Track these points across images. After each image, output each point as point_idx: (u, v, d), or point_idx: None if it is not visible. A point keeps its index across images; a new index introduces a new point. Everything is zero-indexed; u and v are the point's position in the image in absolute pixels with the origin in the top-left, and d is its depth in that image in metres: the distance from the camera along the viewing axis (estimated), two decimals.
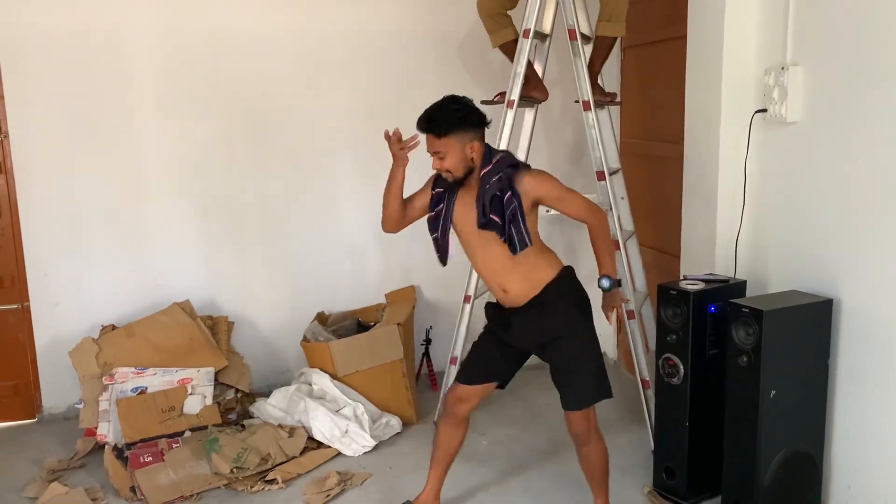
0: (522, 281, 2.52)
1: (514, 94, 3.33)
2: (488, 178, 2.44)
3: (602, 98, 3.50)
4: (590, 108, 3.22)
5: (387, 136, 2.51)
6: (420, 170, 2.63)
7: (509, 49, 3.44)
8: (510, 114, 3.35)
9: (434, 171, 2.53)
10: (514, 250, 2.45)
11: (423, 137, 2.46)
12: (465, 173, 2.46)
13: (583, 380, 2.53)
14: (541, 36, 3.54)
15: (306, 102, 3.85)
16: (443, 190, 2.55)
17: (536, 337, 2.55)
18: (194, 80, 3.71)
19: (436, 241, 2.58)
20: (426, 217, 2.60)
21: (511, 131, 3.37)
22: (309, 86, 3.86)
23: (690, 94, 3.11)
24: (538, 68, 3.66)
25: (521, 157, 3.77)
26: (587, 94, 3.22)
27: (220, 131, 3.78)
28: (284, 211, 3.94)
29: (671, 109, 3.40)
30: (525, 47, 3.29)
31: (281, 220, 3.94)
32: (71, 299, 3.70)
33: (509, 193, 2.42)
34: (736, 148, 2.92)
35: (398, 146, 2.51)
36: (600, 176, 3.24)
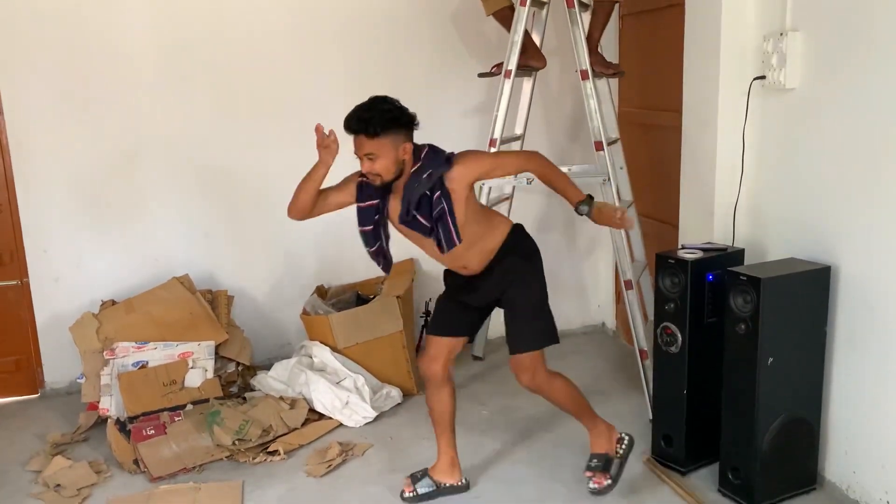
0: (479, 255, 2.55)
1: (512, 64, 3.31)
2: (417, 176, 2.39)
3: (604, 70, 3.46)
4: (588, 78, 3.19)
5: (319, 131, 2.40)
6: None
7: (503, 16, 3.40)
8: (507, 84, 3.32)
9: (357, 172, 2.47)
10: (441, 250, 2.45)
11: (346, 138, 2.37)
12: (396, 176, 2.40)
13: (526, 324, 2.58)
14: (538, 3, 3.51)
15: (301, 76, 3.82)
16: (375, 202, 2.47)
17: (494, 292, 2.59)
18: (189, 54, 3.68)
19: (373, 254, 2.55)
20: (358, 229, 2.52)
21: (509, 102, 3.35)
22: (304, 59, 3.82)
23: (689, 61, 3.08)
24: (536, 37, 3.64)
25: (518, 127, 3.76)
26: (585, 63, 3.19)
27: (217, 105, 3.75)
28: (282, 184, 3.87)
29: (670, 78, 3.37)
30: (522, 15, 3.25)
31: (279, 193, 3.88)
32: (70, 275, 3.71)
33: (438, 193, 2.38)
34: (734, 116, 2.90)
35: (324, 142, 2.41)
36: (598, 146, 3.23)
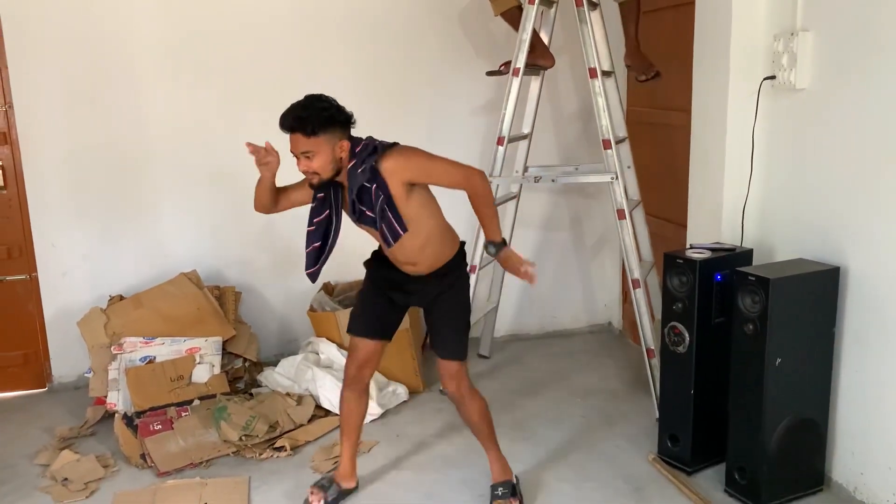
0: (432, 258, 2.51)
1: (520, 62, 3.30)
2: (354, 170, 2.36)
3: (645, 73, 3.34)
4: (596, 76, 3.18)
5: (252, 149, 2.39)
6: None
7: (512, 17, 3.40)
8: (515, 82, 3.32)
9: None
10: (388, 243, 2.41)
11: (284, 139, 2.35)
12: (334, 174, 2.37)
13: (458, 334, 2.59)
14: (547, 2, 3.50)
15: (309, 74, 3.82)
16: (323, 196, 2.45)
17: (430, 296, 2.57)
18: (197, 48, 3.69)
19: (313, 251, 2.47)
20: (307, 227, 2.48)
21: (517, 100, 3.34)
22: (311, 58, 3.82)
23: (698, 61, 3.08)
24: (544, 36, 3.63)
25: (526, 126, 3.76)
26: (594, 60, 3.18)
27: (224, 99, 3.76)
28: (289, 180, 3.92)
29: (679, 77, 3.37)
30: (531, 14, 3.25)
31: None
32: (78, 269, 3.72)
33: (375, 185, 2.33)
34: (744, 116, 2.89)
35: (263, 161, 2.40)
36: (606, 144, 3.22)
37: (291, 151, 2.35)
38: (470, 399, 2.63)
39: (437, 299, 2.57)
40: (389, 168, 2.33)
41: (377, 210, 2.35)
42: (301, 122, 2.28)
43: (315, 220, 2.47)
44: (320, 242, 2.47)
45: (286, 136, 2.34)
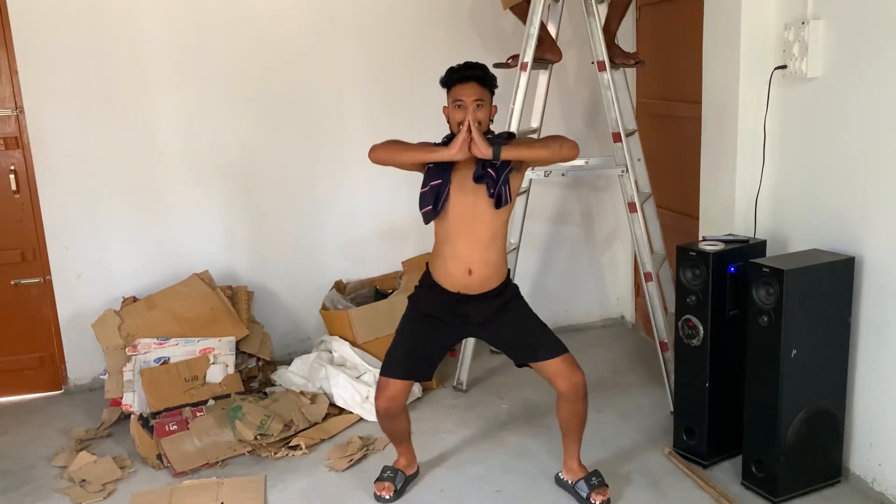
0: (488, 265, 2.55)
1: (528, 56, 3.29)
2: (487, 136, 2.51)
3: (623, 60, 3.42)
4: (605, 69, 3.17)
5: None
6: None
7: (520, 10, 3.38)
8: (524, 76, 3.30)
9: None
10: (498, 204, 2.49)
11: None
12: (485, 131, 2.49)
13: (543, 334, 2.62)
14: None
15: (319, 72, 3.82)
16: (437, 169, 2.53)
17: (484, 315, 2.58)
18: (208, 49, 3.69)
19: (427, 212, 2.54)
20: (421, 189, 2.54)
21: (525, 94, 3.33)
22: (321, 55, 3.82)
23: (708, 51, 3.06)
24: (552, 29, 3.61)
25: (535, 120, 3.75)
26: (602, 53, 3.16)
27: (235, 100, 3.76)
28: (300, 179, 3.94)
29: (688, 68, 3.34)
30: (538, 7, 3.23)
31: (297, 188, 3.94)
32: (92, 271, 3.74)
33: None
34: (755, 106, 2.87)
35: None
36: (616, 137, 3.20)
37: (457, 101, 2.47)
38: (586, 394, 2.61)
39: (498, 316, 2.59)
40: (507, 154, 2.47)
41: (501, 175, 2.47)
42: (484, 73, 2.51)
43: (431, 184, 2.53)
44: (431, 206, 2.52)
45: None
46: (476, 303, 2.57)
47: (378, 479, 2.78)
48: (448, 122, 2.54)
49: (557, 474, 2.80)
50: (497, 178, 2.47)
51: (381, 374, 2.65)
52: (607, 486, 2.67)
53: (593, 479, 2.68)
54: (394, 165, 2.59)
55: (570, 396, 2.59)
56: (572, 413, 2.63)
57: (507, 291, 2.62)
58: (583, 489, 2.67)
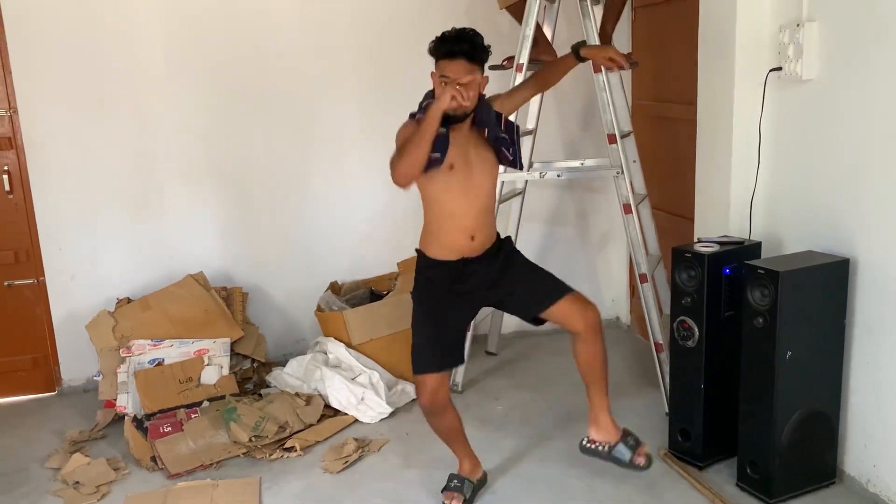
0: (487, 226, 2.55)
1: (523, 58, 3.29)
2: (481, 109, 2.43)
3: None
4: (600, 71, 3.17)
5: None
6: None
7: (517, 10, 3.38)
8: (519, 77, 3.30)
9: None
10: (521, 167, 2.54)
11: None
12: (473, 109, 2.38)
13: (548, 275, 2.61)
14: None
15: (314, 72, 3.82)
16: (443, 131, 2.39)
17: (492, 276, 2.54)
18: (202, 50, 3.68)
19: (435, 160, 2.37)
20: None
21: None
22: (316, 55, 3.82)
23: (703, 53, 3.06)
24: (547, 31, 3.61)
25: (531, 121, 3.76)
26: None
27: (230, 101, 3.76)
28: (295, 181, 3.93)
29: (684, 70, 3.35)
30: (534, 9, 3.24)
31: (292, 190, 3.94)
32: (86, 273, 3.73)
33: (503, 120, 2.48)
34: (750, 107, 2.87)
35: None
36: (612, 139, 3.21)
37: (444, 76, 2.31)
38: (602, 330, 2.53)
39: (502, 270, 2.56)
40: (496, 106, 2.47)
41: (515, 137, 2.48)
42: (473, 47, 2.31)
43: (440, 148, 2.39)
44: (439, 155, 2.37)
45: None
46: (479, 262, 2.52)
47: (445, 489, 2.69)
48: (434, 88, 2.40)
49: (583, 443, 2.65)
50: (511, 140, 2.46)
51: (415, 372, 2.53)
52: (642, 442, 2.62)
53: (629, 438, 2.60)
54: (417, 169, 2.31)
55: (587, 336, 2.50)
56: (593, 354, 2.53)
57: (504, 245, 2.61)
58: (623, 453, 2.56)
